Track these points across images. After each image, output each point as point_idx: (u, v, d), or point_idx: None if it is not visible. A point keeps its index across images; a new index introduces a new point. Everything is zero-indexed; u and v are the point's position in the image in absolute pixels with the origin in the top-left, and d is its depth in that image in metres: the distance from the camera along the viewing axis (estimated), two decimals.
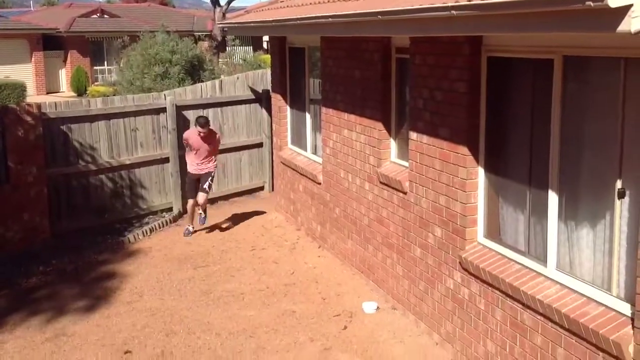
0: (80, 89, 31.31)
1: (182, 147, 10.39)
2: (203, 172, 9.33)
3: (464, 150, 5.51)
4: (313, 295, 7.28)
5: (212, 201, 10.90)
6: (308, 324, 6.58)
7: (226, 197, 11.19)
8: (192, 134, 9.23)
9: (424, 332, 6.28)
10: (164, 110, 10.20)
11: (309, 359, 5.91)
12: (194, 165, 9.32)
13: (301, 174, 9.32)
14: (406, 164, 6.60)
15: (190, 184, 9.49)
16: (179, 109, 10.38)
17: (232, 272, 8.05)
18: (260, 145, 11.50)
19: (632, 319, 3.88)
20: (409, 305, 6.58)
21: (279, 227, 9.74)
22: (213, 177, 9.51)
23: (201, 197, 9.34)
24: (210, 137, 9.23)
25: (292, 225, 9.75)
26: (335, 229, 8.31)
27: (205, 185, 9.35)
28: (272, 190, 11.29)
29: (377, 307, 6.86)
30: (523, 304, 4.80)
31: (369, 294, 7.20)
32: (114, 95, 15.56)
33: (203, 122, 9.10)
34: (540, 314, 4.61)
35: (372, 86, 7.17)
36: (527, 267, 4.95)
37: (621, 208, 4.11)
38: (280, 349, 6.10)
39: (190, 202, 9.49)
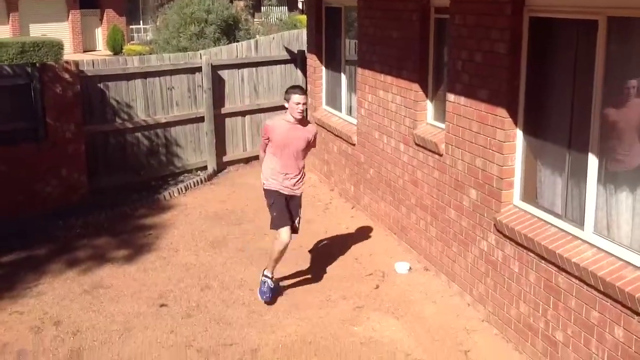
0: (116, 48, 31.49)
1: (217, 105, 10.45)
2: (294, 194, 6.17)
3: (502, 112, 5.45)
4: (346, 255, 7.34)
5: (246, 160, 10.99)
6: (341, 283, 6.65)
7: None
8: (278, 123, 6.07)
9: (456, 293, 6.30)
10: (199, 69, 10.23)
11: (341, 316, 5.98)
12: (277, 176, 6.07)
13: (335, 135, 9.31)
14: (442, 125, 6.55)
15: (280, 205, 6.08)
16: (215, 68, 10.39)
17: (265, 230, 8.04)
18: None
19: None
20: (441, 267, 6.60)
21: (312, 187, 9.77)
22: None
23: (293, 235, 6.24)
24: (304, 126, 6.08)
25: (326, 186, 9.79)
26: (369, 190, 8.33)
27: (297, 220, 6.27)
28: None
29: (410, 268, 6.90)
30: (558, 267, 4.77)
31: (402, 255, 7.23)
32: (150, 54, 15.64)
33: (301, 91, 5.99)
34: (576, 277, 4.59)
35: (410, 47, 7.09)
36: (563, 230, 4.91)
37: None
38: (313, 306, 6.18)
39: (285, 235, 6.02)
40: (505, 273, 5.49)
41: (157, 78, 9.90)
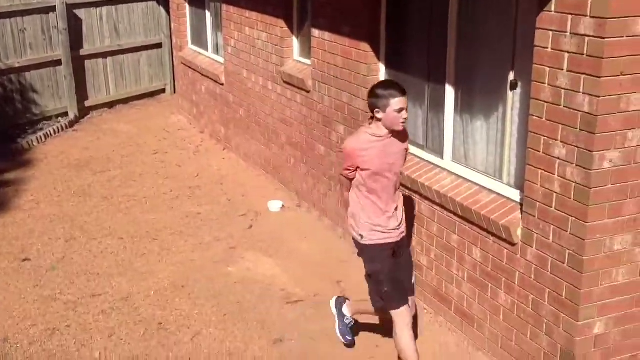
0: None
1: (75, 47, 9.85)
2: (403, 235, 4.19)
3: (365, 46, 5.47)
4: (218, 197, 7.26)
5: (110, 105, 10.53)
6: (213, 225, 6.59)
7: (125, 101, 10.78)
8: (367, 141, 3.98)
9: (328, 228, 6.42)
10: (53, 9, 9.55)
11: (214, 258, 5.95)
12: (382, 220, 4.06)
13: (203, 75, 9.07)
14: (309, 62, 6.52)
15: (392, 271, 4.09)
16: (70, 7, 9.75)
17: (133, 177, 7.87)
18: (159, 45, 11.04)
19: (521, 205, 4.07)
20: (313, 203, 6.68)
21: (182, 130, 9.55)
22: None
23: (411, 302, 4.24)
24: (401, 137, 4.07)
25: (196, 128, 9.58)
26: (239, 130, 8.23)
27: (414, 276, 4.43)
28: (174, 92, 10.97)
29: (282, 206, 6.93)
30: (421, 195, 4.94)
31: (274, 194, 7.25)
32: None
33: (401, 91, 3.91)
34: (437, 204, 4.77)
35: None
36: (425, 160, 5.07)
37: (513, 99, 4.22)
38: (185, 249, 6.10)
39: (408, 317, 4.06)
40: None
41: (8, 19, 9.17)
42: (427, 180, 4.86)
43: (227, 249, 6.10)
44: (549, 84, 3.66)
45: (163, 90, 11.28)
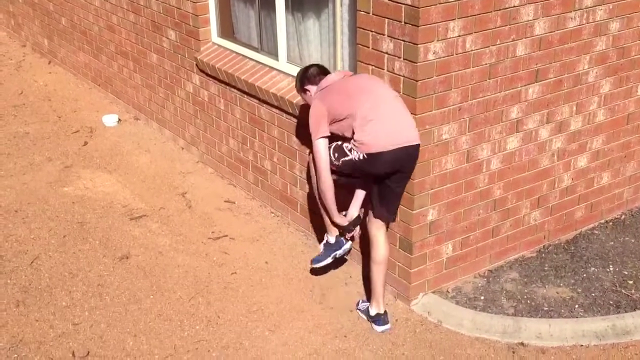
0: None
1: None
2: (412, 143, 3.61)
3: None
4: (47, 114, 6.79)
5: None
6: (44, 144, 6.19)
7: None
8: (330, 88, 3.74)
9: (169, 139, 6.24)
10: None
11: (48, 179, 5.61)
12: (386, 131, 3.55)
13: None
14: None
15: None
16: None
17: None
18: None
19: None
20: (151, 114, 6.43)
21: (1, 45, 8.73)
22: None
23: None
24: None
25: (16, 42, 8.80)
26: (64, 42, 7.64)
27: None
28: None
29: (119, 119, 6.62)
30: (259, 99, 4.88)
31: (109, 107, 6.90)
32: None
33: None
34: (275, 107, 4.74)
35: None
36: (261, 63, 4.98)
37: None
38: (15, 172, 5.70)
39: (382, 250, 3.84)
40: (213, 112, 5.50)
41: None
42: (264, 83, 4.79)
43: (61, 169, 5.77)
44: None
45: None
